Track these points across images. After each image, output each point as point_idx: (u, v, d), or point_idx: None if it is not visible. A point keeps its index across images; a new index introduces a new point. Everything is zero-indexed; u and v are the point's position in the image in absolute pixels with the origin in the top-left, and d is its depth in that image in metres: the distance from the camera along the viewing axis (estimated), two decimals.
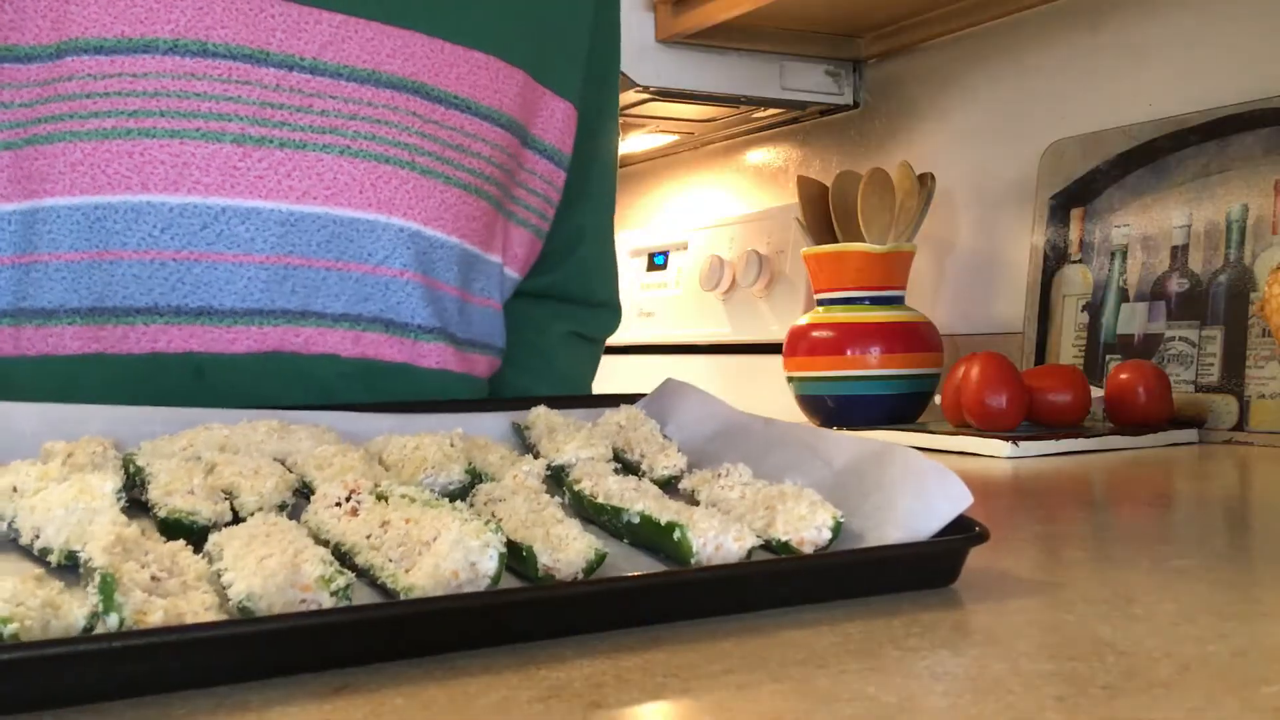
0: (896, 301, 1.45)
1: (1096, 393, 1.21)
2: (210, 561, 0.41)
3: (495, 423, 0.66)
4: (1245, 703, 0.33)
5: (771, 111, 1.84)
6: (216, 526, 0.47)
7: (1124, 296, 1.33)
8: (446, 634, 0.38)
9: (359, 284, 0.69)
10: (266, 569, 0.38)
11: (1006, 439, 1.07)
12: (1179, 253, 1.28)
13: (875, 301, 1.43)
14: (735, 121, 1.94)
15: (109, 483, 0.47)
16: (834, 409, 1.40)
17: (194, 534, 0.46)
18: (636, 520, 0.49)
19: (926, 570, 0.47)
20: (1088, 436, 1.11)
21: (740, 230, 1.97)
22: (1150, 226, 1.32)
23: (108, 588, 0.37)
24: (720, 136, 2.04)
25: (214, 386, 0.67)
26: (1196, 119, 1.27)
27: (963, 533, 0.47)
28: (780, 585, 0.44)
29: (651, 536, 0.48)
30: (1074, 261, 1.40)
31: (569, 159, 0.81)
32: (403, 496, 0.46)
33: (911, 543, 0.46)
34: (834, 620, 0.43)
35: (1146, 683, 0.35)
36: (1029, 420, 1.18)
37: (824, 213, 1.60)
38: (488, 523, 0.42)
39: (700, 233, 2.01)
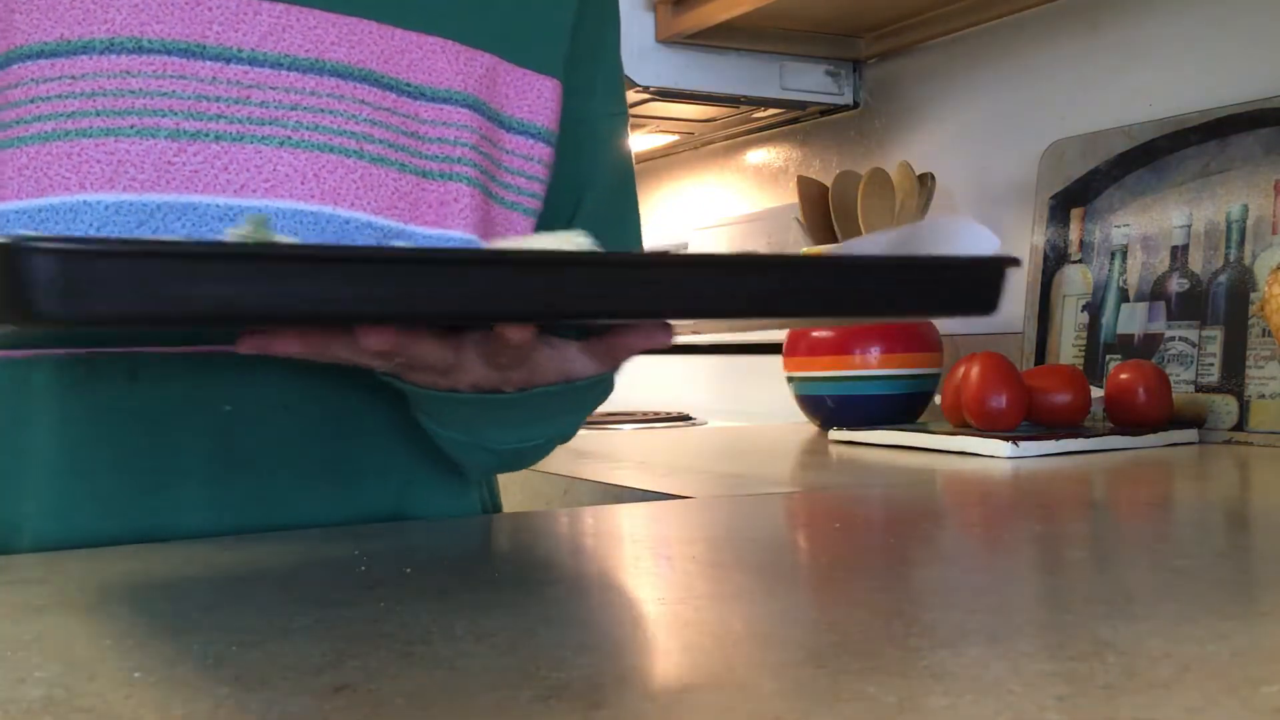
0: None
1: (1096, 393, 1.21)
2: None
3: None
4: (1245, 703, 0.33)
5: (771, 111, 1.84)
6: None
7: (1124, 296, 1.33)
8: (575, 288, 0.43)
9: None
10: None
11: (1006, 439, 1.07)
12: (1179, 253, 1.28)
13: None
14: (735, 121, 1.93)
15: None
16: (834, 409, 1.40)
17: None
18: None
19: (969, 289, 0.50)
20: (1088, 436, 1.11)
21: (740, 230, 1.97)
22: (1150, 226, 1.32)
23: (259, 218, 0.42)
24: (720, 136, 2.04)
25: (148, 389, 0.66)
26: (1196, 119, 1.27)
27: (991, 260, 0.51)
28: (843, 284, 0.47)
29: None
30: (1074, 261, 1.40)
31: (556, 135, 0.79)
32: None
33: (960, 257, 0.50)
34: (834, 620, 0.44)
35: (1146, 683, 0.35)
36: (1029, 420, 1.18)
37: (824, 213, 1.60)
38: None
39: (700, 233, 2.01)
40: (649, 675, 0.37)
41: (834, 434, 1.31)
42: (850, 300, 0.48)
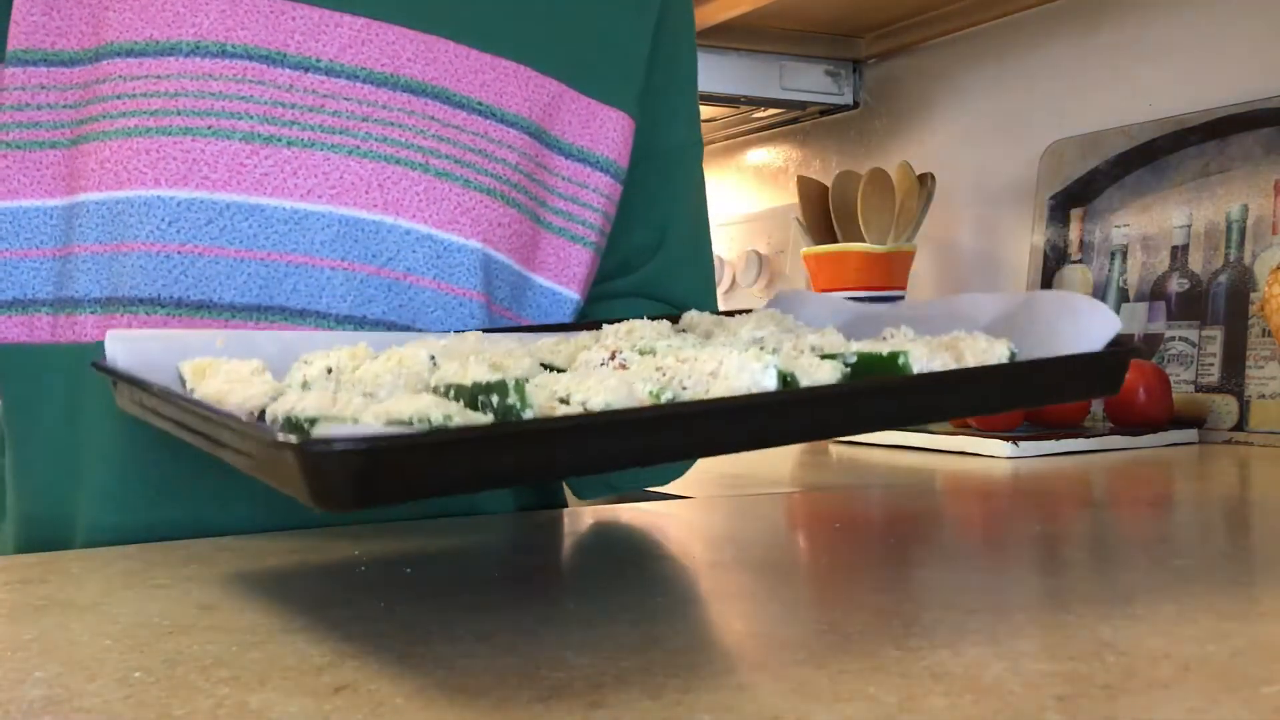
0: (897, 302, 1.45)
1: None
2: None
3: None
4: (1245, 703, 0.33)
5: (771, 111, 1.84)
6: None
7: (1124, 296, 1.33)
8: (778, 424, 0.45)
9: (363, 285, 0.69)
10: (609, 387, 0.44)
11: (1006, 439, 1.07)
12: (1179, 253, 1.28)
13: (875, 301, 1.43)
14: (735, 121, 1.94)
15: (424, 350, 0.52)
16: None
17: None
18: (854, 359, 0.52)
19: (1097, 377, 0.53)
20: (1088, 436, 1.11)
21: (740, 230, 1.97)
22: (1150, 226, 1.32)
23: (521, 387, 0.43)
24: (720, 136, 2.04)
25: None
26: (1196, 119, 1.27)
27: (1118, 348, 0.53)
28: (985, 388, 0.50)
29: (871, 369, 0.51)
30: (1074, 261, 1.40)
31: (624, 170, 0.80)
32: (668, 346, 0.52)
33: (1088, 353, 0.52)
34: (834, 620, 0.44)
35: (1146, 683, 0.35)
36: (1029, 420, 1.18)
37: (824, 213, 1.60)
38: (761, 349, 0.48)
39: None
40: (649, 675, 0.37)
41: None
42: (999, 399, 0.52)
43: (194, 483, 0.67)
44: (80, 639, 0.43)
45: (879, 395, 0.48)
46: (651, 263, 0.84)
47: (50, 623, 0.45)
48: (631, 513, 0.76)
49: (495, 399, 0.44)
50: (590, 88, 0.78)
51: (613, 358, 0.52)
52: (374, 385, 0.50)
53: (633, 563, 0.59)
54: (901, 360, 0.50)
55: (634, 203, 0.82)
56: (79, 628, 0.44)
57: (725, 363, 0.47)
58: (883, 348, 0.51)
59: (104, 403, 0.67)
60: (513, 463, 0.39)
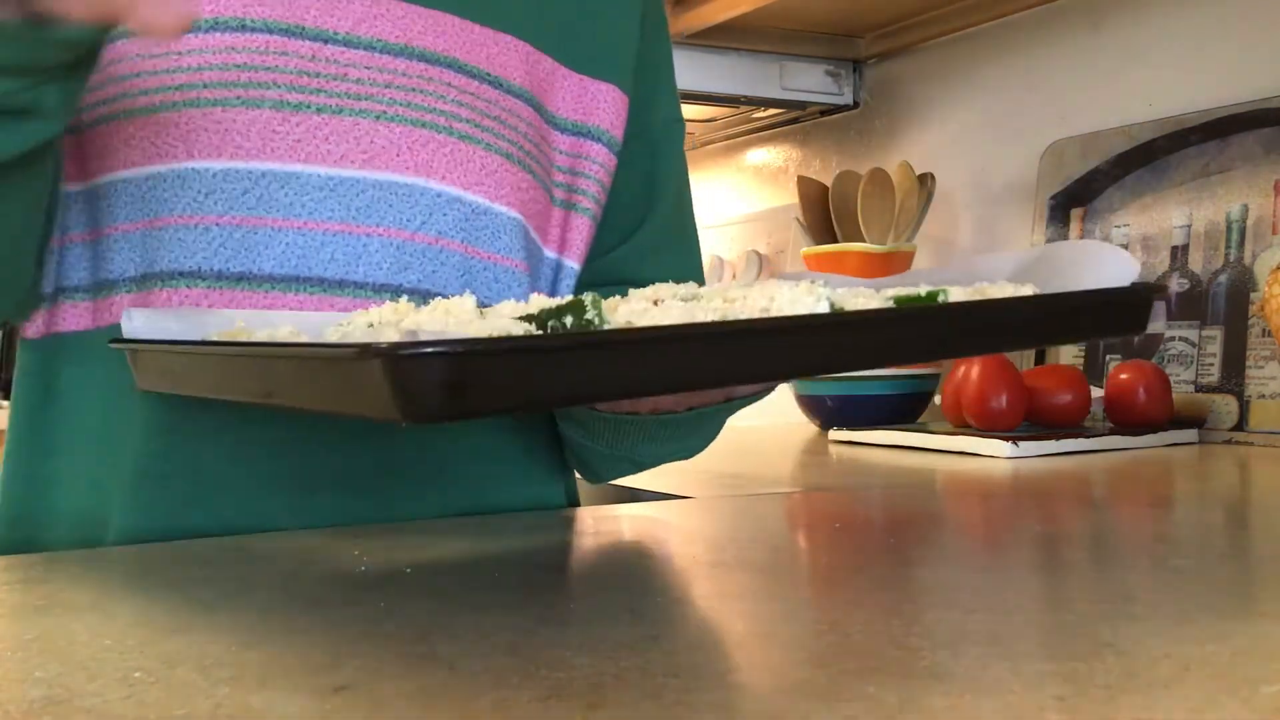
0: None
1: (1096, 393, 1.21)
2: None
3: None
4: (1245, 703, 0.33)
5: (771, 111, 1.84)
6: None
7: None
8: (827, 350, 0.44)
9: (399, 251, 0.70)
10: (673, 317, 0.43)
11: (1006, 439, 1.07)
12: (1179, 253, 1.28)
13: None
14: (735, 121, 1.94)
15: (470, 299, 0.50)
16: (834, 409, 1.40)
17: None
18: (892, 305, 0.51)
19: (1124, 313, 0.52)
20: (1088, 436, 1.11)
21: (740, 230, 1.97)
22: (1150, 226, 1.32)
23: (598, 303, 0.43)
24: (720, 136, 2.04)
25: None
26: (1196, 119, 1.27)
27: (1143, 285, 0.53)
28: (1016, 319, 0.49)
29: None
30: None
31: (619, 142, 0.81)
32: (710, 290, 0.50)
33: (1114, 288, 0.51)
34: (834, 620, 0.44)
35: (1146, 683, 0.35)
36: (1029, 420, 1.18)
37: (824, 213, 1.60)
38: (812, 283, 0.47)
39: (700, 232, 2.01)
40: (649, 675, 0.37)
41: (834, 434, 1.31)
42: (1020, 335, 0.52)
43: (220, 487, 0.67)
44: (80, 639, 0.43)
45: (930, 321, 0.47)
46: (627, 244, 0.84)
47: (50, 623, 0.45)
48: (632, 513, 0.76)
49: (570, 320, 0.43)
50: (580, 64, 0.80)
51: (655, 305, 0.50)
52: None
53: (633, 563, 0.59)
54: (941, 297, 0.49)
55: (626, 182, 0.83)
56: (79, 628, 0.44)
57: (777, 298, 0.46)
58: (916, 291, 0.51)
59: (138, 410, 0.67)
60: (602, 375, 0.38)
